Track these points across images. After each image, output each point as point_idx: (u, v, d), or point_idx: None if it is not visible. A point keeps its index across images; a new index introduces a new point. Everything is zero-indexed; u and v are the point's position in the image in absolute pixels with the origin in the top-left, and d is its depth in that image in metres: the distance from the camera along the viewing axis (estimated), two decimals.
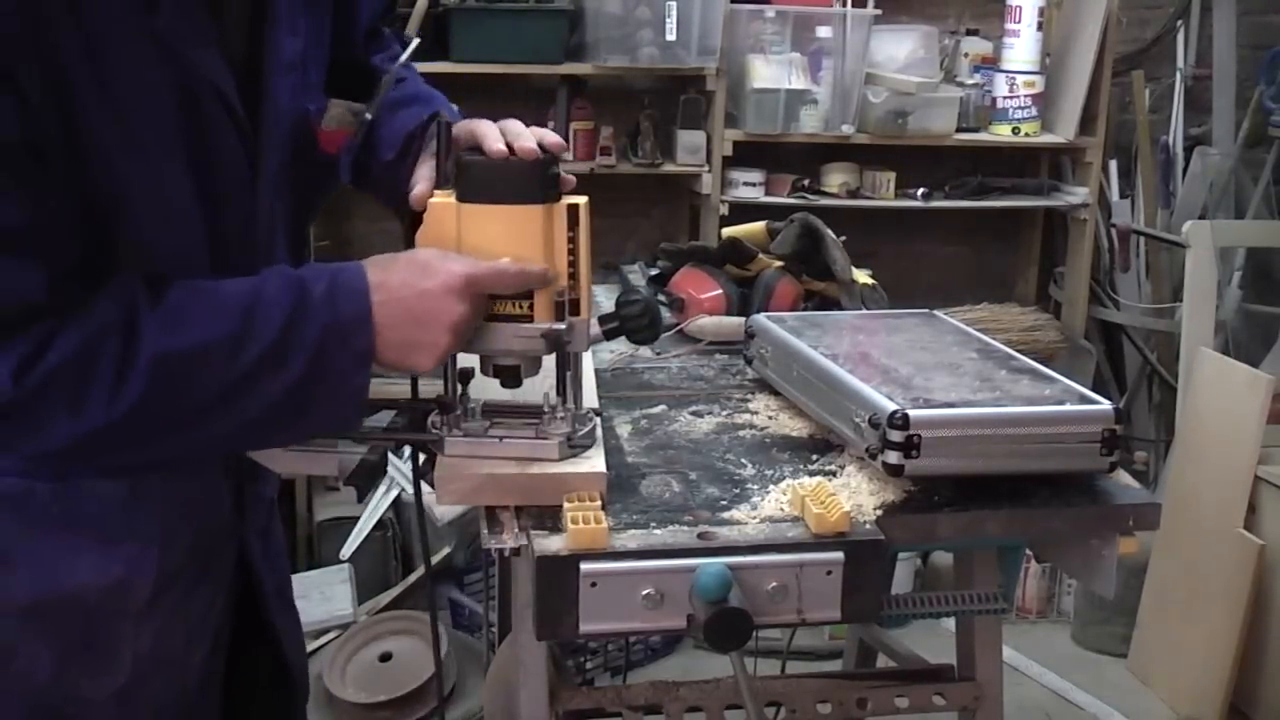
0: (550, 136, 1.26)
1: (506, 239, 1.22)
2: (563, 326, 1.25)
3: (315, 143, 1.31)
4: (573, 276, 1.25)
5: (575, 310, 1.26)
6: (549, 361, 1.30)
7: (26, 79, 1.03)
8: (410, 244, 1.27)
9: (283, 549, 1.55)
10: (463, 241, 1.23)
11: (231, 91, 1.19)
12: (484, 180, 1.23)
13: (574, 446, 1.30)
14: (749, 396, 1.65)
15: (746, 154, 3.36)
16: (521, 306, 1.23)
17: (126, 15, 1.09)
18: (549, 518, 1.24)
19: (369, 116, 1.32)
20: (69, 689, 1.25)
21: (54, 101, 1.05)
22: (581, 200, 1.26)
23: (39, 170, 1.05)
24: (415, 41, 1.41)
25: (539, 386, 1.31)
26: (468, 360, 1.31)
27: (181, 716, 1.35)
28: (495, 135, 1.25)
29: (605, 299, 1.90)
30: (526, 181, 1.23)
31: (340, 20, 1.40)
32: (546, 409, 1.30)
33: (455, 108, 1.44)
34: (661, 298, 1.98)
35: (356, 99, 1.32)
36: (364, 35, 1.49)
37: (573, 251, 1.25)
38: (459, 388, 1.32)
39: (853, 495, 1.32)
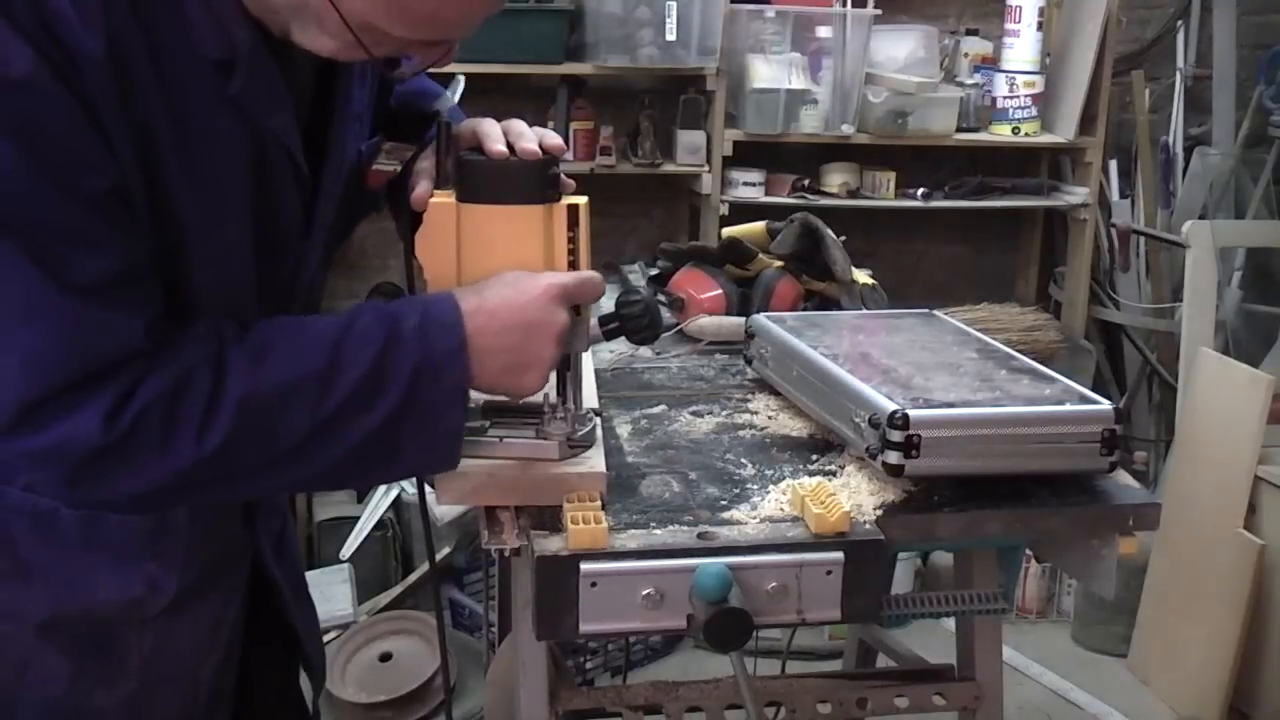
0: (551, 137, 1.26)
1: (507, 239, 1.22)
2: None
3: (362, 180, 1.31)
4: None
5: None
6: None
7: (117, 135, 1.03)
8: (410, 244, 1.27)
9: (296, 548, 1.55)
10: (463, 242, 1.22)
11: (298, 151, 1.20)
12: (484, 180, 1.23)
13: (574, 446, 1.30)
14: (749, 396, 1.65)
15: (746, 154, 3.36)
16: None
17: (206, 81, 1.09)
18: (549, 518, 1.24)
19: (414, 154, 1.32)
20: (83, 699, 1.26)
21: (140, 158, 1.06)
22: (581, 200, 1.26)
23: (131, 219, 1.06)
24: (461, 80, 1.40)
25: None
26: None
27: None
28: (497, 135, 1.25)
29: (605, 299, 1.90)
30: (527, 182, 1.22)
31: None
32: (546, 409, 1.30)
33: (456, 103, 1.44)
34: (661, 298, 1.98)
35: (402, 134, 1.32)
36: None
37: (573, 252, 1.25)
38: None
39: (853, 495, 1.32)
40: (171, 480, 1.10)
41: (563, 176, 1.27)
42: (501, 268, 1.22)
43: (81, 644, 1.24)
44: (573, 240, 1.24)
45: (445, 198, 1.24)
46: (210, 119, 1.11)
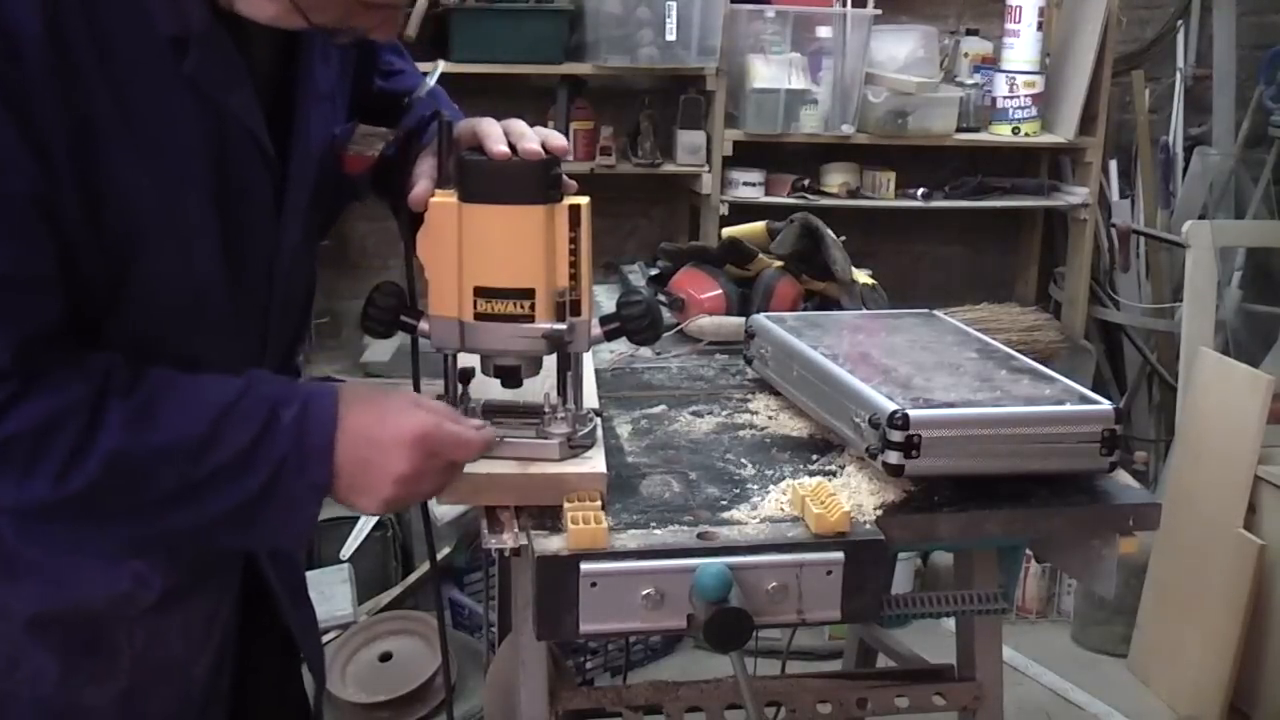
0: (555, 138, 1.26)
1: (508, 239, 1.22)
2: (563, 327, 1.25)
3: (338, 165, 1.31)
4: (574, 277, 1.25)
5: (576, 311, 1.26)
6: (549, 361, 1.30)
7: (48, 127, 1.02)
8: (410, 243, 1.27)
9: (295, 551, 1.54)
10: (464, 242, 1.22)
11: (261, 128, 1.19)
12: (486, 180, 1.22)
13: (574, 447, 1.30)
14: (749, 396, 1.65)
15: (746, 154, 3.36)
16: (523, 306, 1.23)
17: (156, 61, 1.08)
18: (549, 518, 1.24)
19: (390, 138, 1.31)
20: (73, 696, 1.25)
21: (76, 151, 1.05)
22: (583, 200, 1.25)
23: (37, 230, 1.04)
24: (440, 65, 1.40)
25: (539, 387, 1.31)
26: (468, 360, 1.31)
27: None
28: (498, 135, 1.25)
29: (605, 299, 1.90)
30: (528, 182, 1.22)
31: (361, 50, 1.39)
32: (547, 409, 1.30)
33: (455, 105, 1.44)
34: (661, 298, 1.98)
35: (384, 123, 1.32)
36: (386, 53, 1.48)
37: (574, 252, 1.25)
38: (459, 388, 1.32)
39: (853, 495, 1.32)
40: (24, 510, 1.11)
41: (565, 178, 1.27)
42: (502, 267, 1.22)
43: (70, 641, 1.24)
44: (574, 241, 1.24)
45: (447, 197, 1.24)
46: (163, 99, 1.09)
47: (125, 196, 1.09)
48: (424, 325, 1.28)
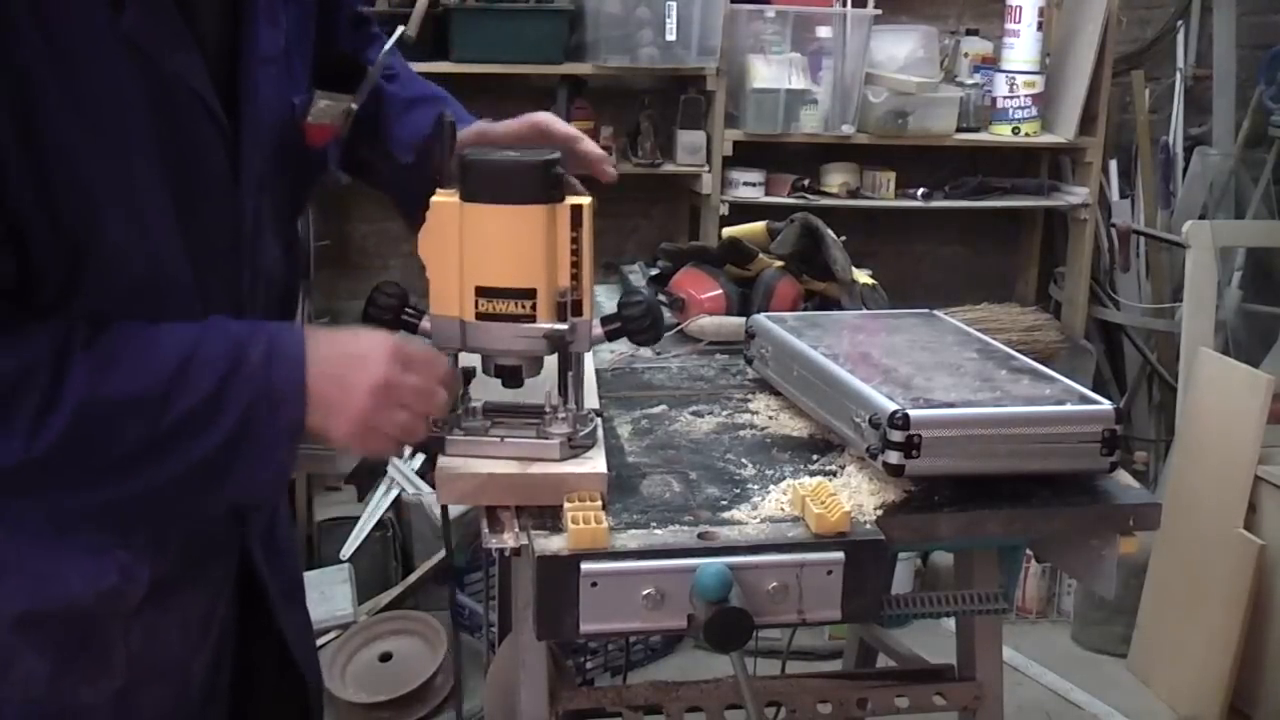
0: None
1: (510, 239, 1.22)
2: (565, 327, 1.25)
3: (301, 137, 1.30)
4: (575, 277, 1.25)
5: (577, 311, 1.26)
6: (549, 362, 1.30)
7: None
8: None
9: (292, 550, 1.53)
10: (466, 241, 1.22)
11: (207, 90, 1.18)
12: (488, 180, 1.22)
13: (575, 447, 1.30)
14: (749, 396, 1.65)
15: (746, 154, 3.36)
16: (524, 306, 1.23)
17: (93, 16, 1.07)
18: (549, 518, 1.24)
19: (354, 108, 1.30)
20: (67, 697, 1.24)
21: (13, 105, 1.04)
22: (585, 200, 1.26)
23: None
24: (400, 30, 1.40)
25: (539, 387, 1.31)
26: (467, 359, 1.31)
27: None
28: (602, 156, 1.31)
29: (605, 299, 1.90)
30: (531, 182, 1.22)
31: (323, 10, 1.38)
32: (548, 409, 1.30)
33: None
34: (662, 298, 1.98)
35: (343, 91, 1.30)
36: (348, 24, 1.48)
37: (575, 252, 1.25)
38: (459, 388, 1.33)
39: (853, 495, 1.32)
40: (2, 471, 1.09)
41: (571, 179, 1.27)
42: (504, 267, 1.22)
43: (61, 640, 1.23)
44: (575, 241, 1.24)
45: (448, 197, 1.24)
46: (101, 57, 1.08)
47: (69, 157, 1.08)
48: (425, 324, 1.28)
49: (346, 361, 1.17)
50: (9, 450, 1.07)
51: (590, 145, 1.41)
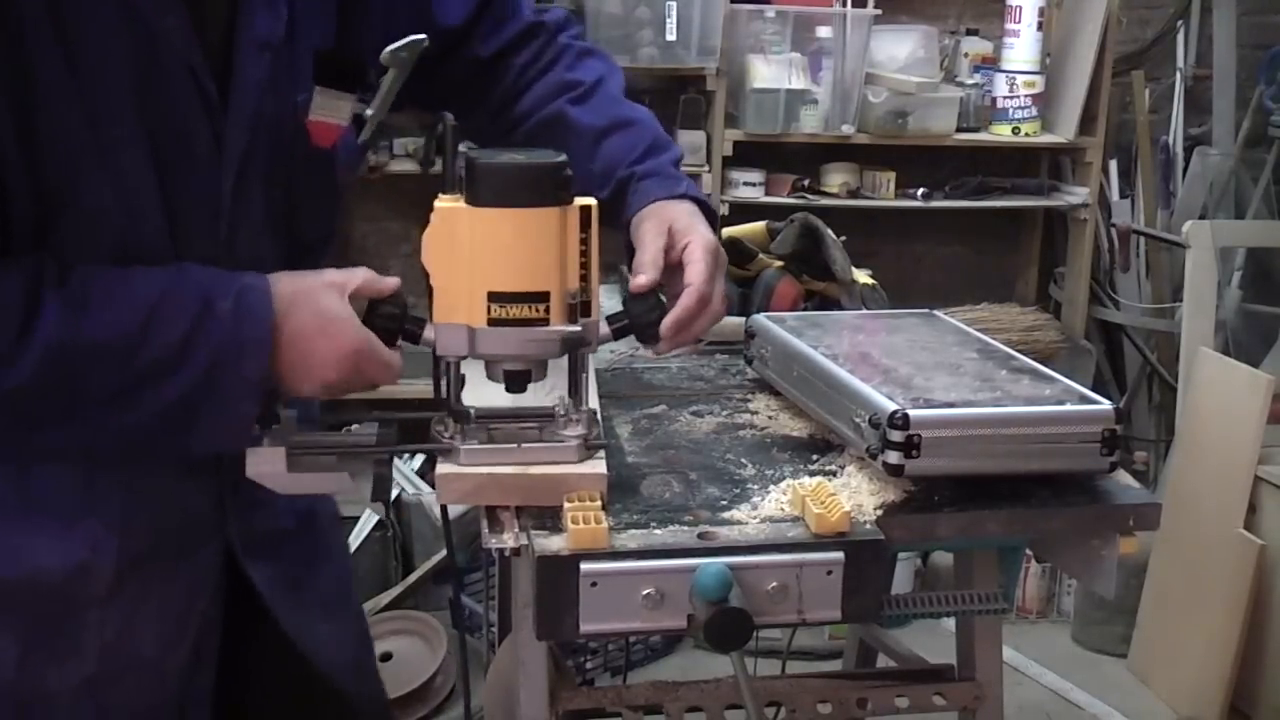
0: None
1: (522, 242, 1.21)
2: (579, 329, 1.24)
3: (306, 136, 1.29)
4: (584, 278, 1.25)
5: (586, 312, 1.26)
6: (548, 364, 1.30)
7: None
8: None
9: (313, 552, 1.49)
10: (474, 246, 1.21)
11: (197, 59, 1.19)
12: (499, 183, 1.21)
13: (590, 447, 1.29)
14: (749, 396, 1.65)
15: (746, 154, 3.36)
16: (537, 310, 1.22)
17: None
18: (549, 518, 1.24)
19: (370, 112, 1.29)
20: (35, 680, 1.24)
21: (8, 58, 1.05)
22: (592, 201, 1.25)
23: None
24: (421, 38, 1.32)
25: (532, 390, 1.31)
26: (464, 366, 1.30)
27: None
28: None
29: (604, 299, 1.90)
30: (542, 184, 1.21)
31: (413, 20, 1.36)
32: (561, 411, 1.29)
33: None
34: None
35: (342, 89, 1.30)
36: (457, 35, 1.45)
37: (585, 253, 1.24)
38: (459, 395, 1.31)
39: (853, 495, 1.32)
40: None
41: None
42: (517, 271, 1.21)
43: (31, 619, 1.24)
44: (584, 242, 1.24)
45: (453, 202, 1.23)
46: (94, 17, 1.10)
47: (54, 110, 1.10)
48: (428, 334, 1.26)
49: (317, 324, 1.19)
50: None
51: (697, 278, 1.33)
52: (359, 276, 1.25)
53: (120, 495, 1.26)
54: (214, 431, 1.19)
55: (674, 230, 1.34)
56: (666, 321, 1.30)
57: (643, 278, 1.31)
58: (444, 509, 1.44)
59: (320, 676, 1.46)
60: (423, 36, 1.26)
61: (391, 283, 1.25)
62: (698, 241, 1.32)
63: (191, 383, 1.14)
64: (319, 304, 1.21)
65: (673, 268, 1.34)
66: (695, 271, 1.31)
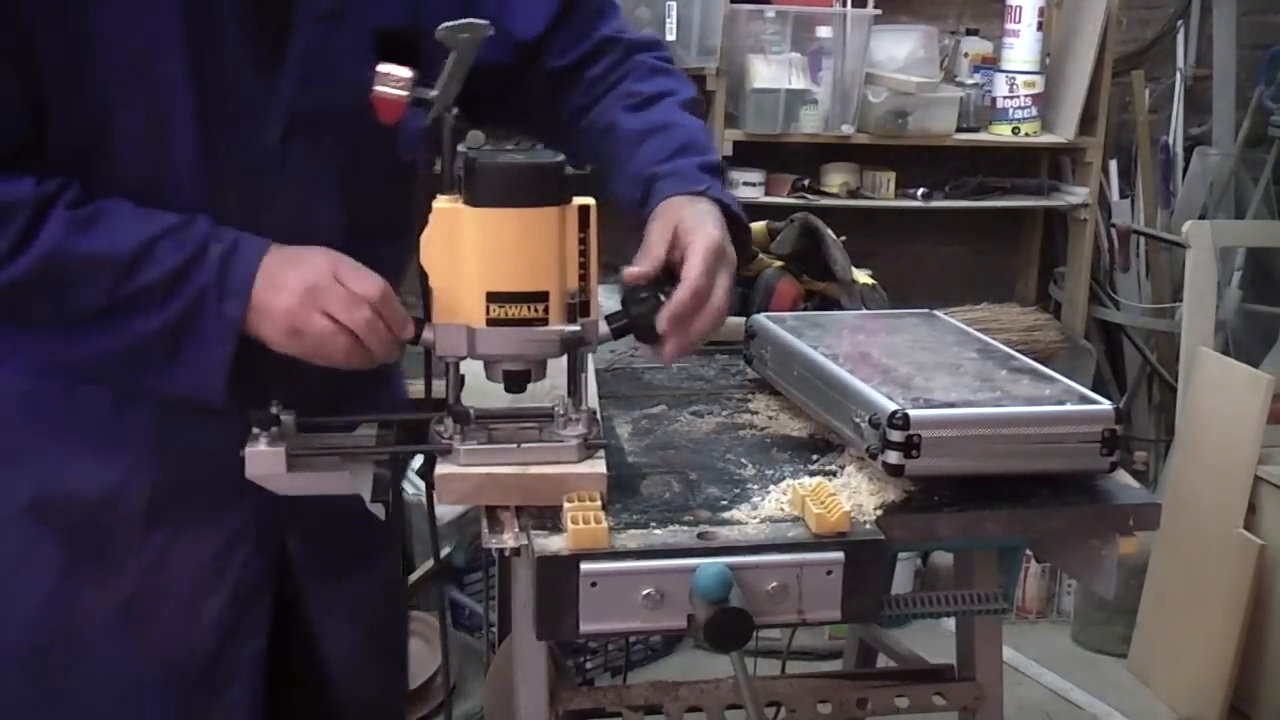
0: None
1: (520, 242, 1.21)
2: (578, 329, 1.24)
3: (367, 111, 1.26)
4: (583, 278, 1.25)
5: (585, 311, 1.26)
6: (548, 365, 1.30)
7: None
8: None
9: (359, 549, 1.50)
10: (476, 246, 1.21)
11: (249, 12, 1.22)
12: (498, 183, 1.21)
13: (590, 447, 1.29)
14: (749, 396, 1.65)
15: (746, 154, 3.36)
16: (537, 310, 1.22)
17: None
18: (549, 518, 1.24)
19: (434, 93, 1.24)
20: (75, 596, 1.29)
21: None
22: (590, 200, 1.25)
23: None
24: (483, 23, 1.26)
25: (532, 390, 1.31)
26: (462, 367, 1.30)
27: (200, 690, 1.35)
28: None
29: (604, 299, 1.90)
30: (542, 183, 1.21)
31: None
32: (560, 411, 1.29)
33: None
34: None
35: (400, 63, 1.27)
36: (533, 48, 1.45)
37: (584, 253, 1.24)
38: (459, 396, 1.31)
39: (853, 495, 1.32)
40: None
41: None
42: (517, 271, 1.21)
43: (74, 534, 1.29)
44: (583, 241, 1.24)
45: (451, 202, 1.23)
46: None
47: (96, 44, 1.15)
48: (427, 334, 1.26)
49: (286, 264, 1.22)
50: None
51: (692, 272, 1.31)
52: (376, 286, 1.24)
53: (152, 424, 1.31)
54: (189, 371, 1.23)
55: (680, 228, 1.33)
56: (661, 316, 1.28)
57: (635, 269, 1.30)
58: (430, 509, 1.44)
59: (319, 665, 1.48)
60: (484, 22, 1.24)
61: (407, 328, 1.26)
62: (699, 239, 1.31)
63: (175, 315, 1.19)
64: (298, 251, 1.24)
65: (675, 266, 1.33)
66: (690, 266, 1.30)
